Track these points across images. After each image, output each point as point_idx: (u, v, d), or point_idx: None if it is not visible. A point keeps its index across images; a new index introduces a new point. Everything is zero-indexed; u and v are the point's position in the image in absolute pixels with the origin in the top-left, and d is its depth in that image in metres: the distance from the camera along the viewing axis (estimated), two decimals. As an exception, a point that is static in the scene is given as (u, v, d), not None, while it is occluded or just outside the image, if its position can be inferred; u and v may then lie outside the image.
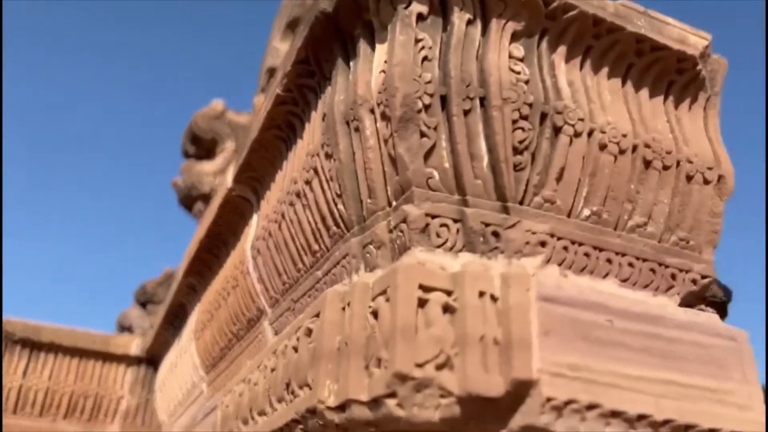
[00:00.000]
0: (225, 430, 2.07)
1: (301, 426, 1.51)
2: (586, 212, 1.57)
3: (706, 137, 1.74)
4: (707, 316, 1.59)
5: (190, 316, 3.27)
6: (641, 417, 1.36)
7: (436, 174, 1.47)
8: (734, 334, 1.58)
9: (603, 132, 1.57)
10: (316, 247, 1.80)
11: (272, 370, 1.73)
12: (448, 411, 1.29)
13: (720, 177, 1.70)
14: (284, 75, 1.81)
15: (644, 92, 1.70)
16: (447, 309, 1.34)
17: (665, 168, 1.64)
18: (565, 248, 1.53)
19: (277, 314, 2.09)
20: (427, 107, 1.45)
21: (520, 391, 1.29)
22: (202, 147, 5.29)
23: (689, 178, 1.67)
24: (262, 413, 1.77)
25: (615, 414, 1.34)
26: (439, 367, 1.29)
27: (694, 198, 1.67)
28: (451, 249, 1.46)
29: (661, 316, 1.50)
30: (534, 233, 1.50)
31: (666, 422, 1.38)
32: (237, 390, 2.05)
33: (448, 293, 1.35)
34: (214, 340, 2.73)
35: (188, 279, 3.07)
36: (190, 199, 5.21)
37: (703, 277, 1.69)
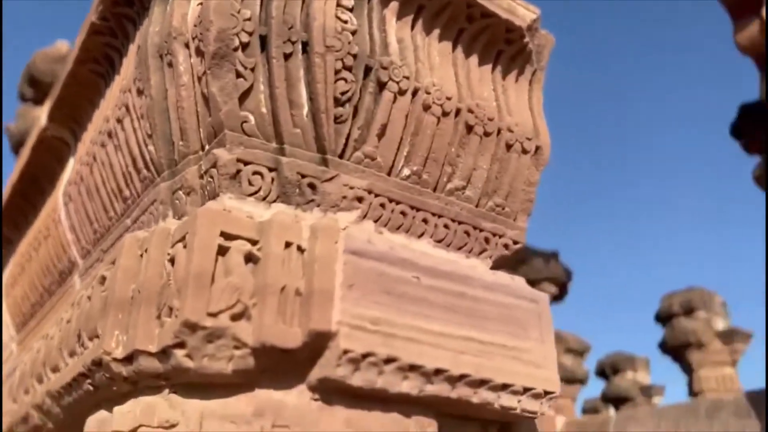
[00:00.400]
0: (21, 389, 1.89)
1: (89, 380, 1.40)
2: (407, 172, 1.57)
3: (528, 109, 1.80)
4: (513, 279, 1.65)
5: (4, 270, 2.97)
6: (438, 371, 1.39)
7: (252, 118, 1.39)
8: (536, 297, 1.65)
9: (428, 92, 1.57)
10: (126, 192, 1.67)
11: (68, 322, 1.59)
12: (242, 362, 1.24)
13: (538, 148, 1.77)
14: (100, 1, 1.64)
15: (474, 59, 1.72)
16: (250, 258, 1.29)
17: (486, 134, 1.68)
18: (383, 205, 1.52)
19: (87, 266, 1.93)
20: (244, 46, 1.37)
21: (319, 343, 1.27)
22: (41, 90, 4.81)
23: (509, 147, 1.72)
24: (55, 369, 1.63)
25: (413, 368, 1.35)
26: (235, 318, 1.23)
27: (512, 166, 1.73)
28: (264, 199, 1.40)
29: (469, 276, 1.54)
30: (352, 188, 1.47)
31: (462, 377, 1.42)
32: (36, 347, 1.87)
33: (253, 242, 1.30)
34: (25, 295, 2.49)
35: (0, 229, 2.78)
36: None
37: (515, 242, 1.75)
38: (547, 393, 1.55)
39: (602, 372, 15.24)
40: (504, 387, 1.48)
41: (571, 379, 12.66)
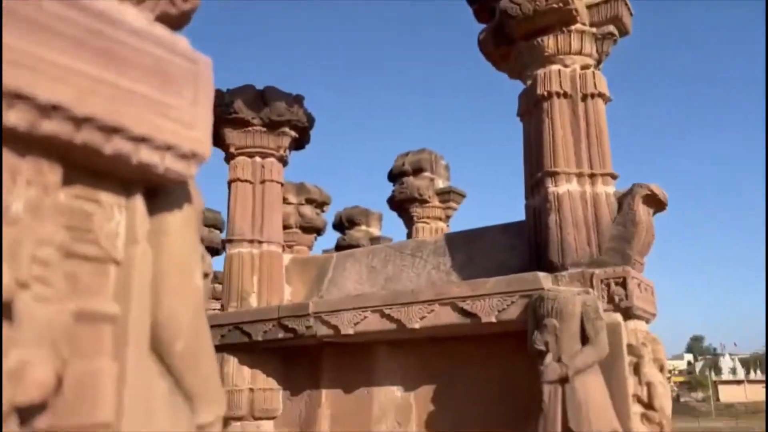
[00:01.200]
0: None
1: None
2: None
3: None
4: (175, 36, 1.53)
5: None
6: (57, 107, 1.24)
7: None
8: (197, 59, 1.56)
9: None
10: None
11: None
12: None
13: None
14: None
15: None
16: None
17: None
18: None
19: None
20: None
21: None
22: None
23: None
24: None
25: (21, 97, 1.19)
26: None
27: None
28: None
29: (112, 16, 1.38)
30: None
31: (89, 119, 1.29)
32: None
33: None
34: None
35: None
36: None
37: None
38: (195, 155, 1.51)
39: (340, 224, 16.32)
40: (143, 140, 1.40)
41: (309, 228, 13.36)
